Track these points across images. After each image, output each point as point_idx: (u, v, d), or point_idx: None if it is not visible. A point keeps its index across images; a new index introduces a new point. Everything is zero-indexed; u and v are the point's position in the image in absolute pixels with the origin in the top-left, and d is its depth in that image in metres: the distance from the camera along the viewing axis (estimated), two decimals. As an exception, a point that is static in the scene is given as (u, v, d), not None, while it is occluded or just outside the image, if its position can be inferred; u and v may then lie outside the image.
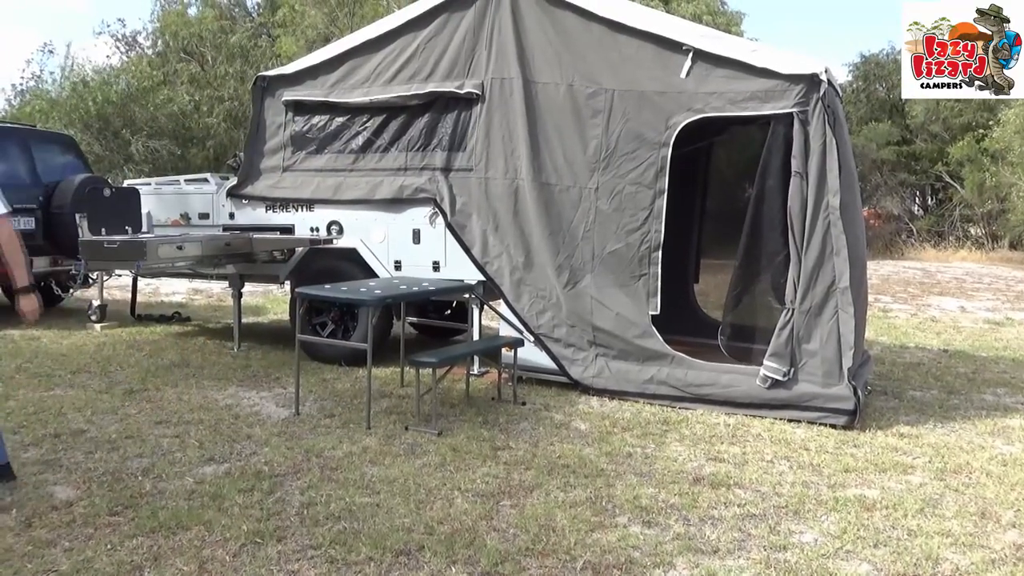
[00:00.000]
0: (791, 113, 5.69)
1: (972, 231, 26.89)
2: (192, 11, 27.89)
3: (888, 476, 4.73)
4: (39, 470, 4.53)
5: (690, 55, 6.01)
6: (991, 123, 22.74)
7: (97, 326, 9.34)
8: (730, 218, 8.45)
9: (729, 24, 25.15)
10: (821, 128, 5.63)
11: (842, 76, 29.52)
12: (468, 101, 6.91)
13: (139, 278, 10.02)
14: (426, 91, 7.06)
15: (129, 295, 10.19)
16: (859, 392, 5.67)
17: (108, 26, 29.93)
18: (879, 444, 5.34)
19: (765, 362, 5.86)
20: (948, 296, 14.41)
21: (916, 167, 28.24)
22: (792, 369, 5.79)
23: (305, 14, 24.22)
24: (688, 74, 6.02)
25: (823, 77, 5.66)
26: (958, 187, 26.18)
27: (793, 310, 5.78)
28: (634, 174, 6.22)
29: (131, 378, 6.77)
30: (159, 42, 27.07)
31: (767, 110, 5.80)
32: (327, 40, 18.72)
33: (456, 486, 4.39)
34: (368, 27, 7.78)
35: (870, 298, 12.78)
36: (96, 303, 9.58)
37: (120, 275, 10.88)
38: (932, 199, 30.43)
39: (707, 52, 5.99)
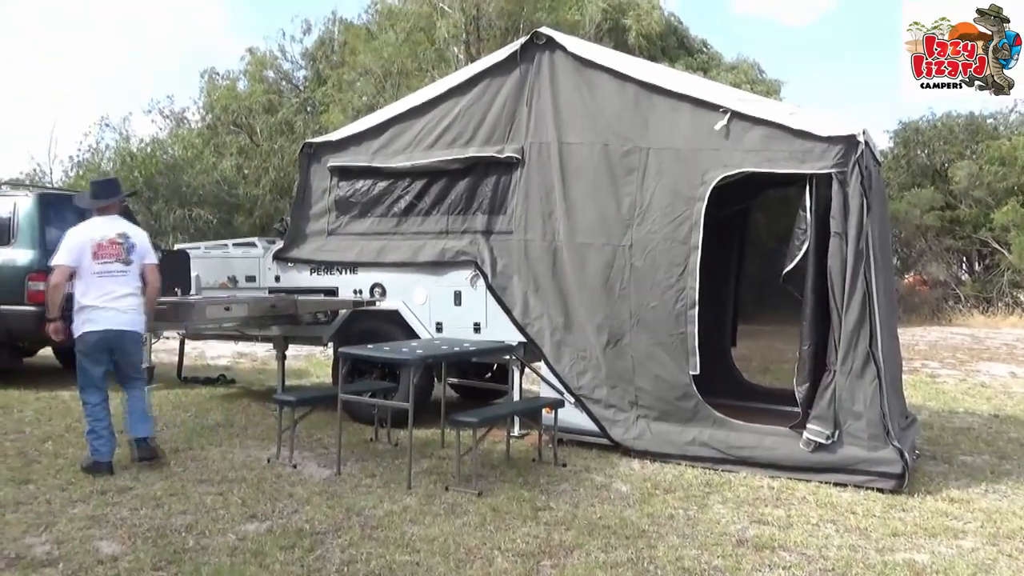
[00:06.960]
0: (830, 173, 5.73)
1: (1022, 297, 26.31)
2: (241, 85, 28.87)
3: (938, 541, 4.61)
4: (86, 525, 4.61)
5: (727, 116, 6.09)
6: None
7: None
8: (767, 282, 8.43)
9: (768, 92, 25.29)
10: (859, 189, 5.64)
11: (882, 142, 29.47)
12: (508, 165, 7.05)
13: (186, 341, 10.20)
14: (467, 156, 7.21)
15: (176, 358, 10.37)
16: (906, 455, 5.56)
17: (158, 103, 31.15)
18: (928, 508, 5.21)
19: (808, 425, 5.78)
20: (998, 362, 14.09)
21: (961, 232, 27.87)
22: (836, 432, 5.70)
23: (353, 84, 24.95)
24: (726, 134, 6.09)
25: (861, 139, 5.70)
26: (1005, 252, 25.75)
27: (835, 371, 5.72)
28: (667, 229, 6.24)
29: (176, 437, 6.88)
30: (209, 115, 28.03)
31: (805, 169, 5.83)
32: (372, 110, 19.23)
33: (496, 546, 4.36)
34: (411, 95, 8.01)
35: (917, 364, 12.60)
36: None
37: (168, 338, 11.13)
38: (979, 264, 29.91)
39: (744, 113, 6.07)
